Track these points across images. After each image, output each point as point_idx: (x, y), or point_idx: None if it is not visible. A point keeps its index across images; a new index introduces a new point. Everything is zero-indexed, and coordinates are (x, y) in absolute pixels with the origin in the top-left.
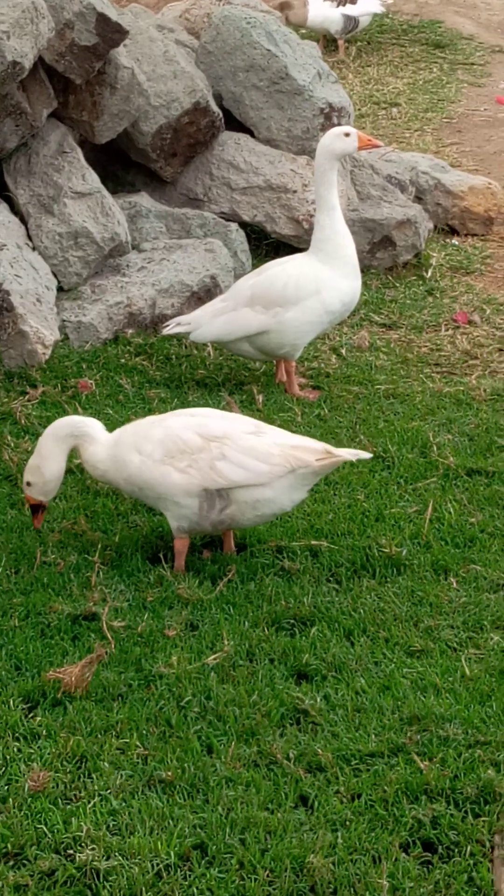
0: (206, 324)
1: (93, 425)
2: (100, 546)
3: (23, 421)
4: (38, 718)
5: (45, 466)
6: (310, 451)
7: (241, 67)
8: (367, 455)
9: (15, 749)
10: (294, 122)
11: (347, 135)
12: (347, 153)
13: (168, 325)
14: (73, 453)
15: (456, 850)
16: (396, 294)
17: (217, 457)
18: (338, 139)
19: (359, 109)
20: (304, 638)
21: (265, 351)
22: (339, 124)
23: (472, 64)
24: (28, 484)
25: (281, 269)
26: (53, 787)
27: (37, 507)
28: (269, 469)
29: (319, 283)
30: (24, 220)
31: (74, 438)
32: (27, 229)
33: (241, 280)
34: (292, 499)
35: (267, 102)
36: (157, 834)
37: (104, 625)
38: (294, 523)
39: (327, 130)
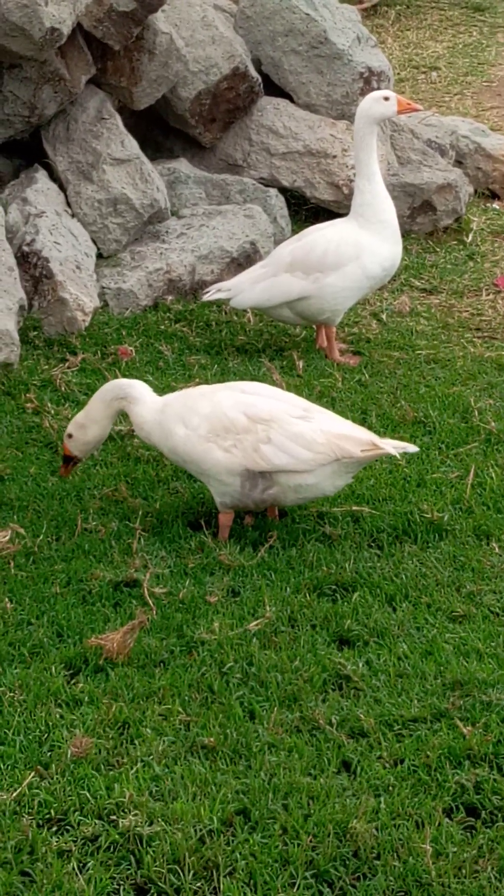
0: (247, 290)
1: (139, 387)
2: (140, 513)
3: (63, 388)
4: (81, 685)
5: (89, 427)
6: (355, 442)
7: (279, 32)
8: (413, 448)
9: (57, 715)
10: (333, 86)
11: (387, 98)
12: (387, 117)
13: (208, 292)
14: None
15: (499, 815)
16: (437, 259)
17: (262, 440)
18: (377, 103)
19: (398, 74)
20: (345, 603)
21: (305, 316)
22: (379, 89)
23: None
24: (69, 436)
25: (321, 235)
26: (96, 754)
27: (69, 459)
28: (313, 457)
29: (360, 249)
30: (63, 187)
31: (120, 401)
32: (66, 196)
33: (281, 246)
34: (335, 484)
35: (306, 67)
36: (200, 799)
37: (145, 591)
38: None
39: (366, 95)
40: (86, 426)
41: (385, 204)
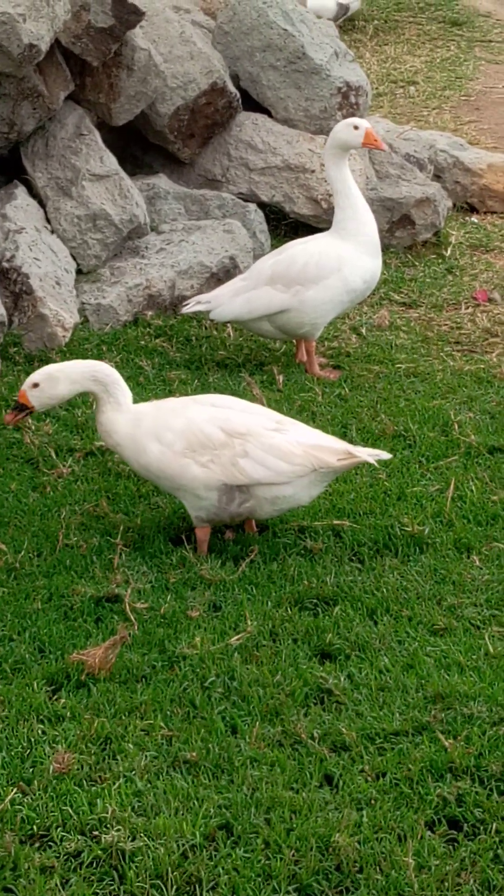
0: (226, 302)
1: (123, 391)
2: (122, 528)
3: None
4: (63, 701)
5: (61, 382)
6: (331, 452)
7: (257, 47)
8: (386, 455)
9: (39, 731)
10: (312, 101)
11: (356, 128)
12: (350, 147)
13: (188, 304)
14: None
15: (482, 828)
16: (416, 273)
17: (240, 454)
18: (345, 128)
19: (376, 88)
20: (327, 617)
21: (285, 330)
22: (357, 103)
23: (490, 41)
24: (35, 385)
25: (302, 248)
26: (78, 769)
27: (23, 408)
28: (291, 469)
29: (341, 262)
30: (42, 203)
31: (99, 388)
32: (45, 212)
33: (262, 259)
34: (311, 494)
35: (284, 82)
36: (183, 814)
37: (127, 606)
38: (316, 503)
39: (345, 110)
40: (58, 380)
41: (366, 217)
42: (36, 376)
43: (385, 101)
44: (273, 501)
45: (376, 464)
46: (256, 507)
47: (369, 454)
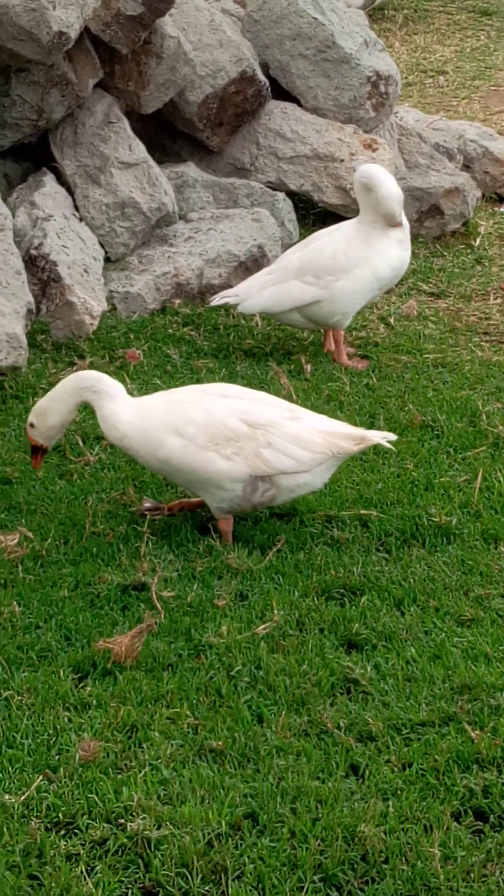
0: (255, 295)
1: (112, 384)
2: (149, 516)
3: None
4: (89, 688)
5: (50, 413)
6: (348, 438)
7: (287, 36)
8: (392, 436)
9: (65, 719)
10: (341, 90)
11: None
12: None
13: (215, 297)
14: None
15: None
16: (445, 263)
17: (263, 445)
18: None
19: (406, 78)
20: (353, 607)
21: (315, 320)
22: (387, 93)
23: None
24: (31, 425)
25: (329, 238)
26: (104, 757)
27: (37, 449)
28: (313, 457)
29: (370, 250)
30: (70, 191)
31: (90, 393)
32: (74, 200)
33: (288, 251)
34: (324, 479)
35: (313, 71)
36: (208, 803)
37: (154, 595)
38: (343, 493)
39: (374, 99)
40: (47, 414)
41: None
42: (30, 417)
43: (414, 90)
44: (292, 489)
45: (390, 445)
46: (277, 496)
47: (379, 436)
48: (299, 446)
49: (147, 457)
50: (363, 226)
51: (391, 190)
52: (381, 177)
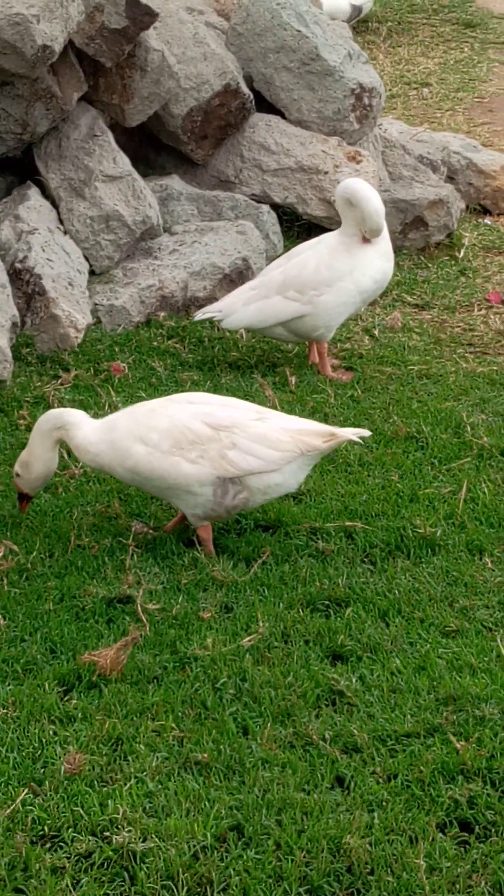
0: (239, 311)
1: (73, 413)
2: (133, 528)
3: (56, 405)
4: (74, 701)
5: (33, 463)
6: (316, 435)
7: (271, 49)
8: (366, 433)
9: (51, 732)
10: (325, 102)
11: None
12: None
13: (199, 313)
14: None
15: (493, 830)
16: (429, 274)
17: (228, 446)
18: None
19: (389, 90)
20: (339, 619)
21: (298, 334)
22: (371, 105)
23: None
24: (17, 475)
25: (312, 253)
26: (90, 770)
27: (23, 497)
28: (280, 455)
29: (353, 263)
30: (55, 204)
31: (58, 430)
32: (58, 213)
33: (271, 265)
34: (298, 480)
35: (298, 84)
36: (194, 815)
37: (139, 607)
38: (328, 504)
39: (358, 111)
40: (30, 463)
41: None
42: (15, 468)
43: (398, 102)
44: (265, 491)
45: (360, 440)
46: (250, 498)
47: (352, 433)
48: (265, 445)
49: (118, 468)
50: (345, 238)
51: (377, 207)
52: (366, 193)
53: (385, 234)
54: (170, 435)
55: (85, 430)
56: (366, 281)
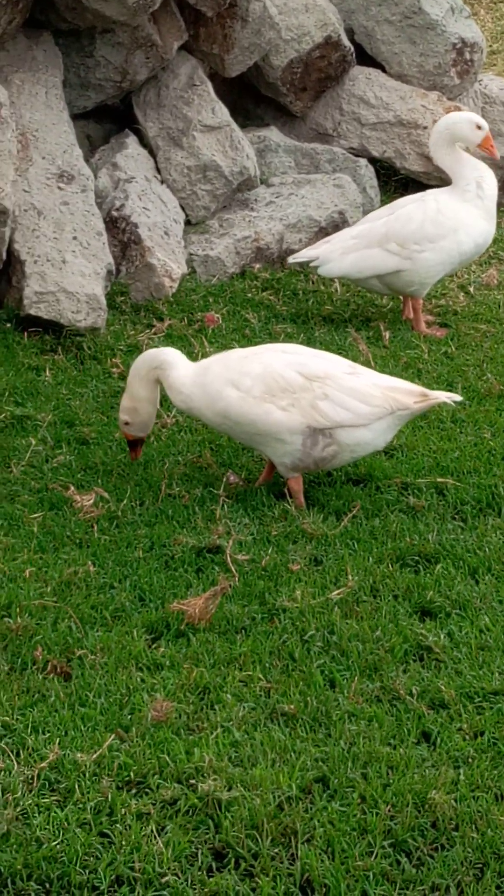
0: (336, 259)
1: (170, 353)
2: (225, 479)
3: None
4: (162, 649)
5: (139, 405)
6: (408, 394)
7: (373, 1)
8: (458, 397)
9: (138, 679)
10: (426, 57)
11: (479, 127)
12: (465, 143)
13: (296, 256)
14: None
15: None
16: None
17: (319, 397)
18: (468, 125)
19: (490, 45)
20: (428, 575)
21: (393, 288)
22: (472, 60)
23: None
24: (126, 423)
25: (417, 207)
26: (176, 718)
27: (135, 442)
28: (371, 410)
29: (458, 222)
30: (152, 153)
31: (155, 370)
32: (156, 162)
33: (372, 215)
34: (386, 439)
35: (399, 37)
36: (279, 766)
37: (228, 558)
38: (419, 460)
39: (459, 66)
40: (136, 408)
41: (489, 180)
42: (122, 416)
43: (499, 59)
44: (353, 448)
45: (453, 403)
46: (338, 452)
47: (444, 396)
48: (357, 399)
49: (207, 412)
50: (453, 197)
51: (468, 115)
52: (455, 114)
53: (494, 195)
54: (263, 381)
55: (180, 370)
56: (468, 242)
